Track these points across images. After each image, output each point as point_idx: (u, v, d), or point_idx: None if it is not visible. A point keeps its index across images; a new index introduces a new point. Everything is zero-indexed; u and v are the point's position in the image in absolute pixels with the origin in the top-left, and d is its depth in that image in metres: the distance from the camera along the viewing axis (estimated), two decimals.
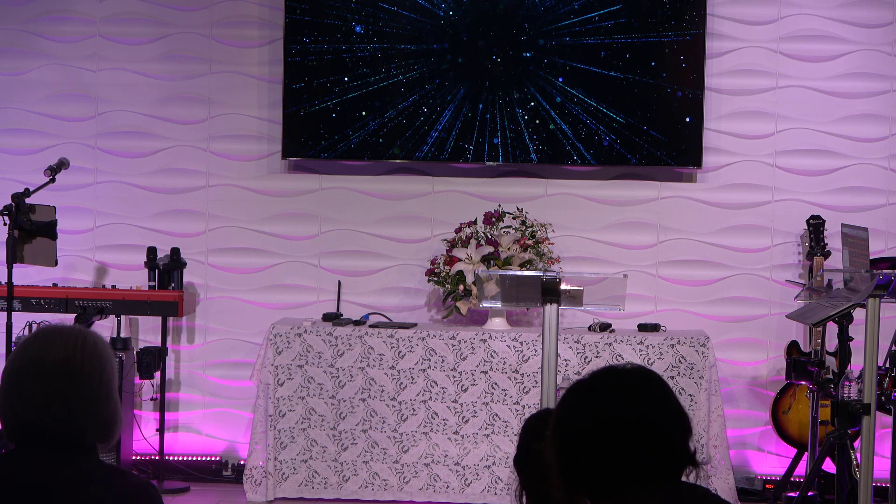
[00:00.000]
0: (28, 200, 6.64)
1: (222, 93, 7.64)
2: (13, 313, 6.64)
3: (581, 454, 2.58)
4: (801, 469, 7.06)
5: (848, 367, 6.15)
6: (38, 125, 7.66)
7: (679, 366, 6.91)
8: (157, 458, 7.32)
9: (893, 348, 6.29)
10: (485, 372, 6.99)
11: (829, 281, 6.44)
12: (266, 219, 7.65)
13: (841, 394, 5.94)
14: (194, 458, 7.56)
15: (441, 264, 7.20)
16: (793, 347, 7.19)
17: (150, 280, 7.31)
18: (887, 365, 6.22)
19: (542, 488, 3.44)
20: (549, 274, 5.02)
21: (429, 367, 6.99)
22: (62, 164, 6.96)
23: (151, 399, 7.44)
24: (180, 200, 7.66)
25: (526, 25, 7.40)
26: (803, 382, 6.78)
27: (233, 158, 7.65)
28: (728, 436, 7.09)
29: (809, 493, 6.26)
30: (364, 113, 7.47)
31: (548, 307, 4.95)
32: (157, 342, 7.39)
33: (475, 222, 7.30)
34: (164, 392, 7.35)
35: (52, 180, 6.82)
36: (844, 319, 6.25)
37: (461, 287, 7.12)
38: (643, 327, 7.21)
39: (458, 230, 7.28)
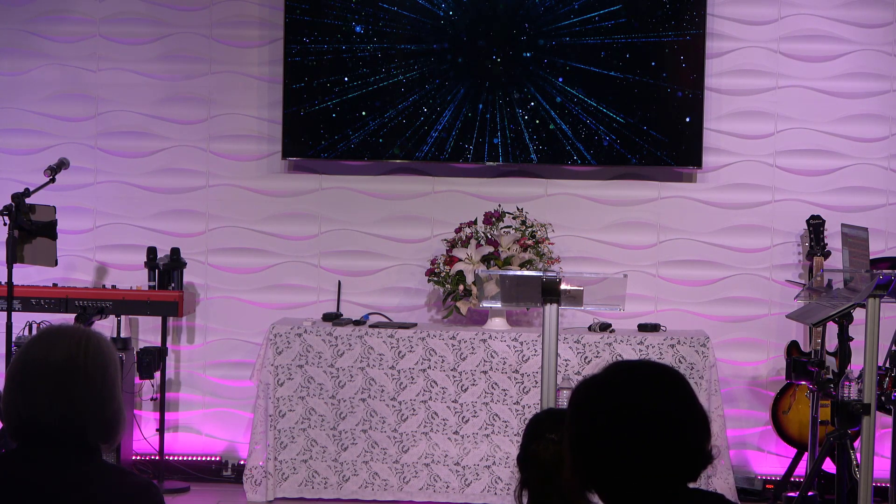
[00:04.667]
0: (28, 200, 6.64)
1: (222, 93, 7.64)
2: (13, 313, 6.65)
3: (595, 447, 2.48)
4: (801, 469, 7.06)
5: (848, 367, 6.15)
6: (38, 125, 7.65)
7: (679, 366, 6.90)
8: (157, 458, 7.32)
9: (893, 348, 6.28)
10: (485, 372, 6.99)
11: (829, 281, 6.45)
12: (266, 219, 7.65)
13: (841, 394, 5.94)
14: (194, 458, 7.56)
15: (441, 264, 7.20)
16: (793, 347, 7.19)
17: (150, 280, 7.31)
18: (887, 365, 6.22)
19: (542, 488, 3.44)
20: (549, 274, 5.01)
21: (429, 367, 6.99)
22: (62, 164, 6.96)
23: (151, 399, 7.43)
24: (180, 200, 7.66)
25: (526, 25, 7.40)
26: (803, 382, 6.78)
27: (233, 158, 7.65)
28: (728, 436, 7.09)
29: (809, 493, 6.26)
30: (364, 113, 7.47)
31: (548, 307, 4.94)
32: (157, 342, 7.38)
33: (475, 222, 7.29)
34: (164, 392, 7.35)
35: (52, 180, 6.82)
36: (844, 319, 6.25)
37: (461, 287, 7.12)
38: (643, 327, 7.21)
39: (458, 230, 7.28)
